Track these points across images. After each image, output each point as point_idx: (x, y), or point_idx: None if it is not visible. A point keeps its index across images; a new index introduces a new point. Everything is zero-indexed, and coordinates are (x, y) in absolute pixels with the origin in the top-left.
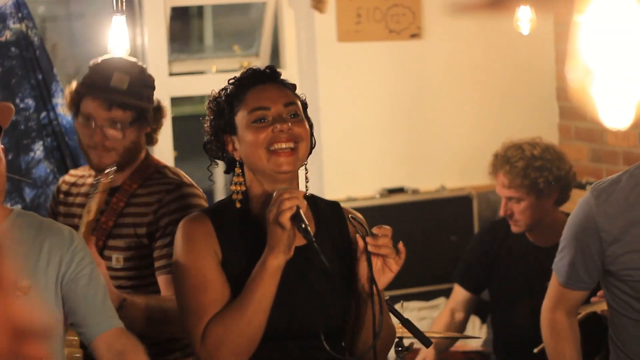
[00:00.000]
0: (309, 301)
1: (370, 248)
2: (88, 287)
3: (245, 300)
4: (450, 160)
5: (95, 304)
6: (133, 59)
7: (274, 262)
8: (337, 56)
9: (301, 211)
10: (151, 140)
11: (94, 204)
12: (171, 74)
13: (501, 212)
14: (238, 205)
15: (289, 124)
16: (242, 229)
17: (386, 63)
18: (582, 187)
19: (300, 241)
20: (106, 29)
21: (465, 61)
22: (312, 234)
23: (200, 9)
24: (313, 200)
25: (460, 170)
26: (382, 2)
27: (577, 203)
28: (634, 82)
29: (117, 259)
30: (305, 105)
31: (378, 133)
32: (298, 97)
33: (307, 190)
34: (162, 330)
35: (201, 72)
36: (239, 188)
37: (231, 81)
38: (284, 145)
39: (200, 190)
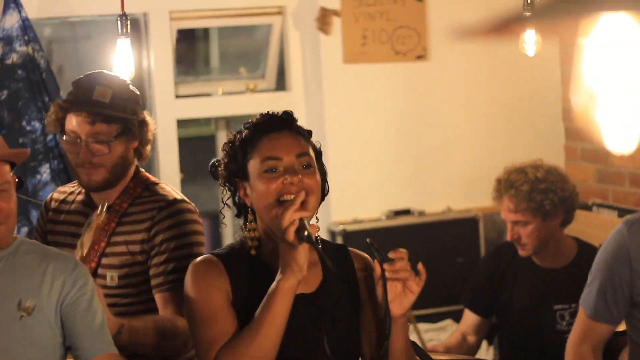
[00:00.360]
0: (317, 345)
1: (388, 274)
2: (87, 311)
3: (256, 324)
4: (456, 181)
5: (92, 328)
6: (116, 74)
7: (286, 284)
8: (343, 78)
9: (305, 221)
10: (140, 155)
11: (87, 240)
12: (177, 96)
13: (508, 237)
14: (253, 252)
15: (300, 175)
16: (253, 276)
17: (392, 84)
18: (587, 208)
19: (309, 287)
20: (112, 52)
21: (471, 83)
22: (314, 237)
23: (206, 31)
24: (320, 244)
25: (466, 191)
26: (387, 23)
27: (608, 234)
28: (637, 106)
29: (112, 277)
30: (319, 154)
31: (384, 154)
32: (312, 144)
33: (318, 240)
34: (162, 349)
35: (207, 94)
36: (253, 235)
37: (247, 125)
38: (293, 198)
39: (193, 204)
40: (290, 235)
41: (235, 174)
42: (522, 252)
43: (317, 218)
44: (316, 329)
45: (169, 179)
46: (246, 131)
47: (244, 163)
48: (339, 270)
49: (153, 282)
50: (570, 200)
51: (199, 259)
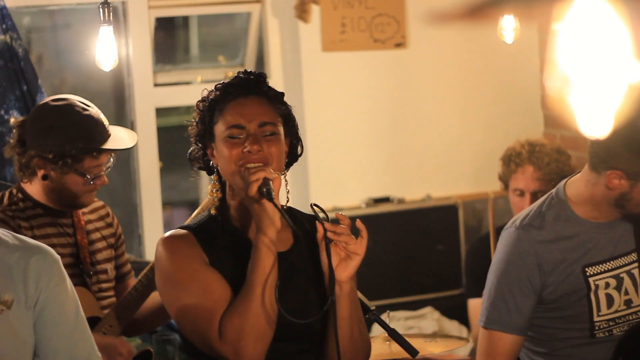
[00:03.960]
0: (295, 304)
1: (329, 234)
2: (59, 317)
3: (250, 284)
4: (436, 169)
5: (63, 335)
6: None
7: (266, 238)
8: (322, 66)
9: (270, 182)
10: None
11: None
12: (156, 85)
13: (527, 205)
14: (213, 211)
15: (260, 145)
16: (224, 241)
17: (371, 72)
18: None
19: (282, 247)
20: (92, 40)
21: (450, 70)
22: (273, 194)
23: (185, 20)
24: (290, 212)
25: (445, 179)
26: (366, 11)
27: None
28: (611, 91)
29: (110, 269)
30: (288, 117)
31: (363, 142)
32: (282, 107)
33: (287, 201)
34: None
35: (186, 83)
36: (215, 195)
37: (218, 86)
38: (252, 166)
39: None
40: (253, 190)
41: (203, 134)
42: None
43: (285, 180)
44: (292, 285)
45: (148, 168)
46: (216, 92)
47: (210, 125)
48: (310, 235)
49: (124, 269)
50: None
51: (167, 234)
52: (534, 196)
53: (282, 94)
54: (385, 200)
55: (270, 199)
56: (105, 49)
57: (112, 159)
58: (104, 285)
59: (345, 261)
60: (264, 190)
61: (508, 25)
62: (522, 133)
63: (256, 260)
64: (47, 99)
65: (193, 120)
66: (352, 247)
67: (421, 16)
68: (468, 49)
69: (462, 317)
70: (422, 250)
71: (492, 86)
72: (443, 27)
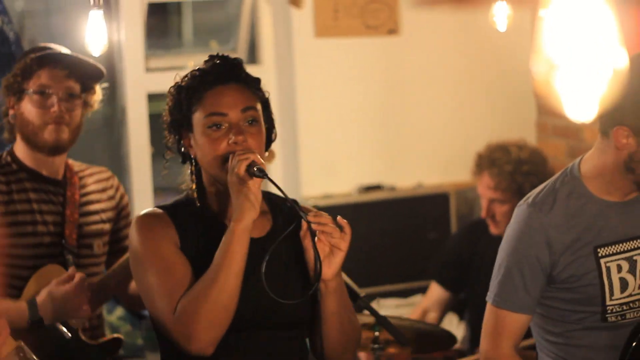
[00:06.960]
0: (272, 290)
1: (314, 226)
2: None
3: (214, 268)
4: (428, 157)
5: None
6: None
7: (240, 225)
8: (314, 52)
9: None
10: None
11: None
12: (148, 70)
13: (483, 214)
14: (198, 203)
15: (244, 135)
16: (198, 225)
17: (363, 59)
18: None
19: (259, 233)
20: (84, 25)
21: (443, 57)
22: (266, 171)
23: (178, 5)
24: (269, 196)
25: (437, 167)
26: None
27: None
28: (597, 76)
29: (98, 245)
30: (265, 104)
31: (355, 129)
32: (260, 93)
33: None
34: None
35: (179, 68)
36: (194, 186)
37: (193, 73)
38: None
39: None
40: (242, 169)
41: (180, 122)
42: (494, 230)
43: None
44: (268, 272)
45: (139, 154)
46: (192, 80)
47: (188, 114)
48: (288, 222)
49: (124, 244)
50: None
51: (143, 212)
52: (491, 203)
53: (259, 80)
54: (377, 187)
55: (262, 176)
56: (95, 33)
57: (76, 91)
58: (86, 261)
59: (329, 258)
60: (255, 169)
61: (501, 12)
62: (515, 121)
63: (227, 247)
64: None
65: (167, 106)
66: (336, 241)
67: (415, 3)
68: (461, 36)
69: (452, 306)
70: (413, 238)
71: (485, 74)
72: (435, 12)
